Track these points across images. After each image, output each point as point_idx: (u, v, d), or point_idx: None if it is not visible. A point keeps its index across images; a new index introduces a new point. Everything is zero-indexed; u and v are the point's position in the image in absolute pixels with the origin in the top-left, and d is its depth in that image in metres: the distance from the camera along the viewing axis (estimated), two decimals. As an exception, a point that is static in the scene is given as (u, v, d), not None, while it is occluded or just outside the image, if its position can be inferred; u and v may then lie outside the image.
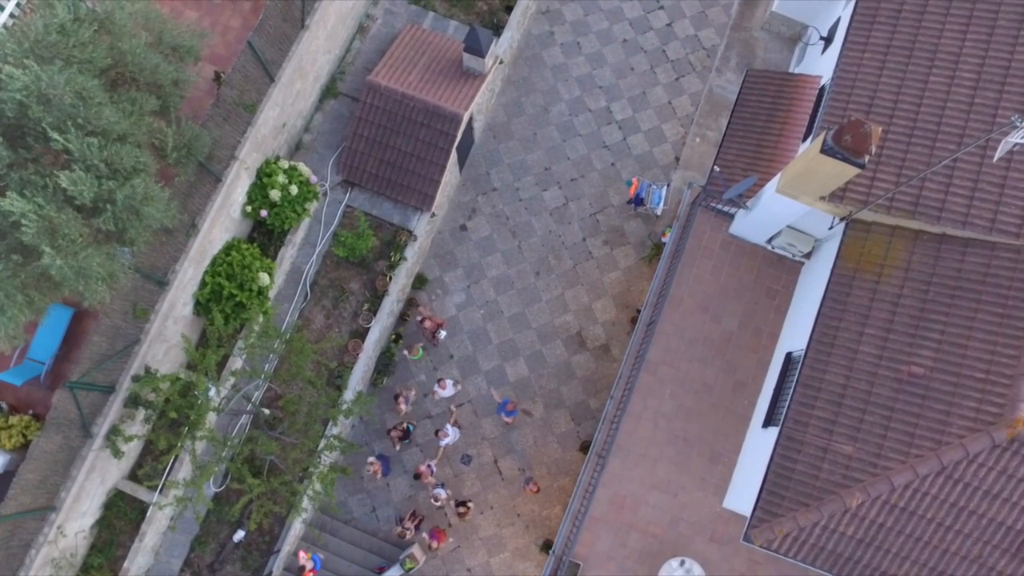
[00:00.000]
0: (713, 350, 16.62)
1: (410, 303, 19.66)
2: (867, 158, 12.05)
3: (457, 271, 19.98)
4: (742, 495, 15.48)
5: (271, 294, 17.51)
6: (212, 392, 15.08)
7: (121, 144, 11.56)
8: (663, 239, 19.96)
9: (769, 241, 16.82)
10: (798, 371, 13.63)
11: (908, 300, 13.17)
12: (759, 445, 15.39)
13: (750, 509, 14.57)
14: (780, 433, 13.26)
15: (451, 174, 19.32)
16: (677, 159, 21.01)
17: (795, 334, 15.87)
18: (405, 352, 18.66)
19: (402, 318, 19.52)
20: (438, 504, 17.85)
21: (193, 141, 13.42)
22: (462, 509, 17.76)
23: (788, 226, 16.09)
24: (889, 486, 12.01)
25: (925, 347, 12.70)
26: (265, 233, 17.97)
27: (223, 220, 16.47)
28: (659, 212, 20.08)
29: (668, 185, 19.81)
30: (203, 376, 14.32)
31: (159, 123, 13.01)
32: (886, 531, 12.27)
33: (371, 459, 17.29)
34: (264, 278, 16.64)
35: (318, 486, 15.00)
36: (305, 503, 15.30)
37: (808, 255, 16.76)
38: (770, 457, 13.18)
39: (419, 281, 19.67)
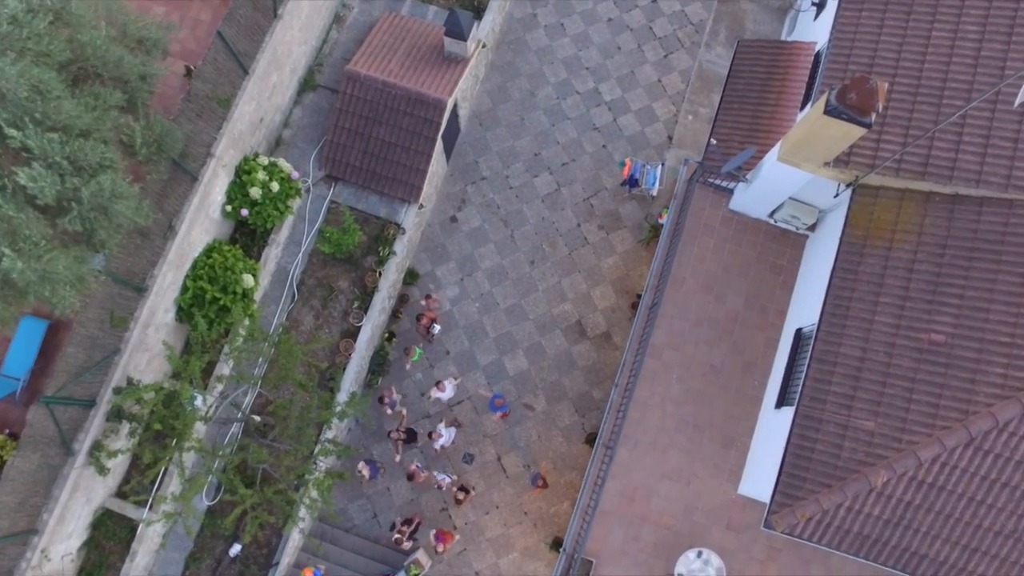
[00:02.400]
0: (719, 331, 15.99)
1: (402, 299, 18.97)
2: (873, 116, 11.41)
3: (449, 264, 19.30)
4: (758, 480, 14.85)
5: (257, 296, 16.81)
6: (198, 401, 14.37)
7: (84, 140, 10.84)
8: (660, 220, 19.32)
9: (771, 215, 16.19)
10: (811, 346, 13.00)
11: (923, 265, 12.54)
12: (773, 427, 14.76)
13: (768, 494, 13.95)
14: (796, 412, 12.62)
15: (438, 164, 18.64)
16: (670, 138, 20.37)
17: (804, 309, 15.25)
18: (404, 356, 17.94)
19: (395, 315, 18.82)
20: (442, 490, 17.21)
21: (164, 136, 12.72)
22: (461, 495, 17.10)
23: (790, 198, 15.46)
24: (916, 461, 11.37)
25: (944, 313, 12.07)
26: (248, 233, 17.26)
27: (202, 221, 15.76)
28: (655, 193, 19.44)
29: (662, 164, 19.16)
30: (187, 384, 13.62)
31: (126, 119, 12.29)
32: (914, 509, 11.64)
33: (360, 464, 16.60)
34: (248, 280, 15.94)
35: (314, 493, 14.30)
36: (302, 512, 14.60)
37: (812, 227, 16.14)
38: (787, 438, 12.54)
39: (410, 276, 18.99)
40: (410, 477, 16.67)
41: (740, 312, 16.09)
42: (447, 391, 17.02)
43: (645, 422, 15.52)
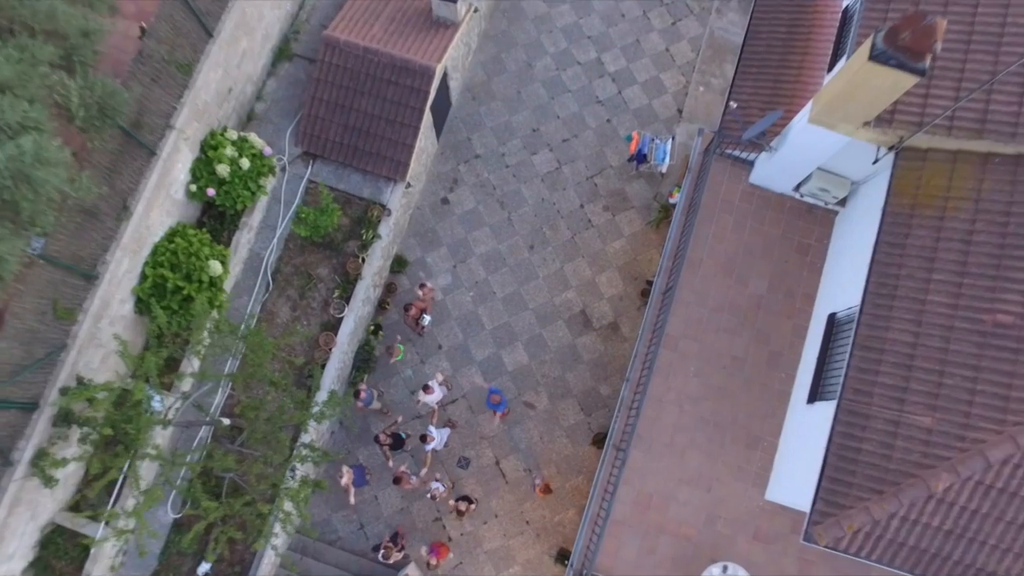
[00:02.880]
0: (741, 318, 14.34)
1: (389, 289, 17.30)
2: (929, 61, 9.76)
3: (440, 250, 17.63)
4: (787, 484, 13.23)
5: (227, 285, 15.13)
6: (156, 402, 12.70)
7: (2, 95, 9.16)
8: (671, 200, 17.68)
9: (797, 188, 14.55)
10: (853, 332, 11.34)
11: (983, 236, 10.89)
12: (805, 424, 13.13)
13: (799, 500, 12.36)
14: (838, 407, 10.96)
15: (427, 140, 16.98)
16: (680, 111, 18.71)
17: (837, 292, 13.61)
18: (387, 355, 16.26)
19: (381, 306, 17.16)
20: (437, 501, 15.46)
21: (107, 99, 11.05)
22: (463, 506, 15.36)
23: (819, 168, 13.82)
24: (984, 463, 9.72)
25: (1010, 290, 10.42)
26: (216, 216, 15.59)
27: (162, 201, 14.08)
28: (664, 169, 17.79)
29: (672, 139, 17.50)
30: (142, 383, 11.95)
31: (60, 75, 10.62)
32: (981, 518, 9.98)
33: (344, 468, 14.89)
34: (215, 266, 14.27)
35: (289, 505, 12.63)
36: (276, 527, 12.93)
37: (842, 202, 14.50)
38: (828, 437, 10.88)
39: (398, 264, 17.32)
40: (397, 480, 14.97)
41: (764, 297, 14.45)
42: (435, 393, 15.34)
43: (660, 421, 13.88)
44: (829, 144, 12.45)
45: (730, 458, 13.80)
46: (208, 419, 12.99)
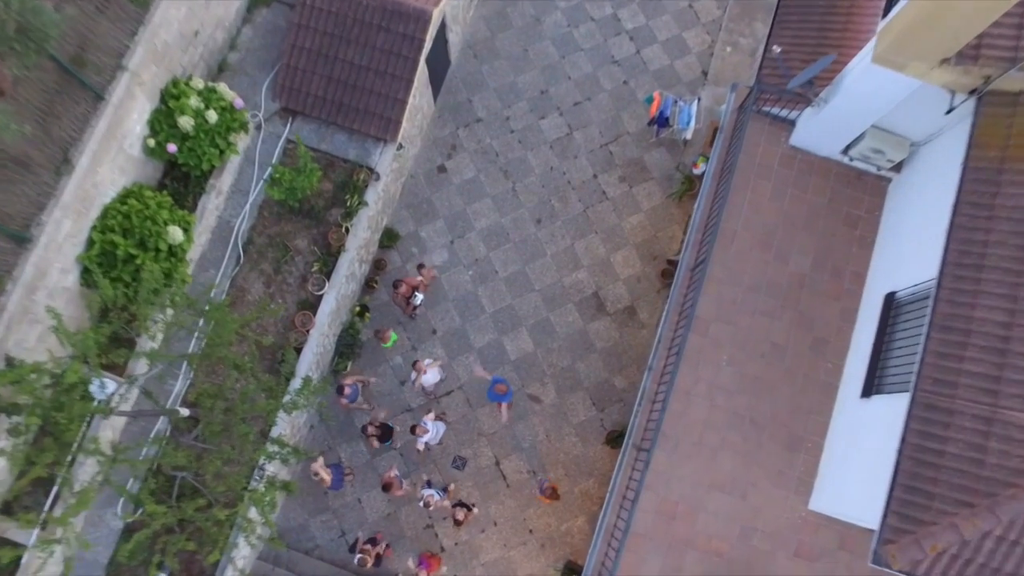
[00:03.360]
0: (781, 299, 12.42)
1: (378, 266, 15.37)
2: (1041, -30, 7.84)
3: (436, 223, 15.70)
4: (835, 492, 11.32)
5: (191, 256, 13.23)
6: (96, 387, 10.79)
7: None
8: (695, 171, 15.75)
9: (846, 151, 12.64)
10: (929, 311, 9.39)
11: (1092, 194, 8.97)
12: (858, 422, 11.23)
13: (848, 510, 10.59)
14: (913, 401, 9.01)
15: (422, 98, 15.05)
16: (705, 73, 16.78)
17: (896, 269, 11.71)
18: (377, 339, 14.27)
19: (368, 285, 15.23)
20: (430, 509, 13.40)
21: (30, 17, 9.10)
22: (461, 514, 13.36)
23: (873, 126, 11.89)
24: (1107, 470, 7.80)
25: None
26: (180, 179, 13.66)
27: (114, 156, 12.17)
28: (688, 136, 15.86)
29: (698, 100, 15.56)
30: (78, 364, 10.02)
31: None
32: (1101, 539, 8.06)
33: (317, 464, 12.91)
34: (175, 233, 12.36)
35: (253, 512, 10.72)
36: (238, 538, 11.01)
37: (898, 167, 12.57)
38: (901, 436, 8.95)
39: (388, 238, 15.39)
40: (386, 487, 13.00)
41: (807, 275, 12.52)
42: (429, 374, 13.40)
43: (688, 416, 11.95)
44: (893, 91, 10.54)
45: (768, 461, 11.88)
46: (160, 408, 11.05)
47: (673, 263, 15.45)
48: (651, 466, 11.10)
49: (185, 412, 11.84)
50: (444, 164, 16.01)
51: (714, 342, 12.30)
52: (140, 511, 11.78)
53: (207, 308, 11.10)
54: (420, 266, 14.20)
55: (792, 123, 12.95)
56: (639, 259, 15.63)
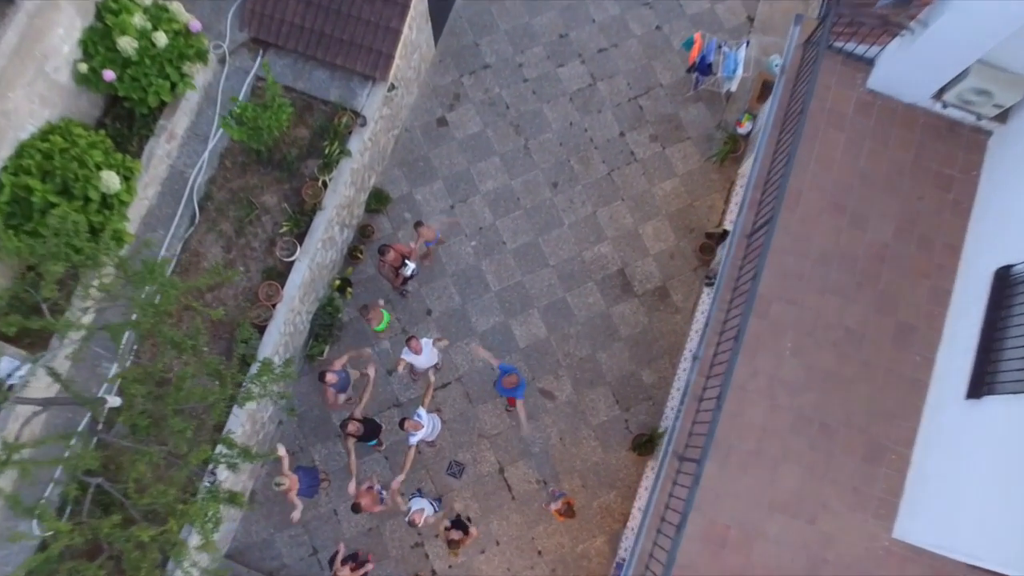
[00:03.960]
0: (857, 274, 10.06)
1: (364, 232, 12.97)
2: None
3: (434, 184, 13.30)
4: (929, 517, 9.00)
5: (134, 212, 10.84)
6: (-7, 365, 8.41)
7: None
8: (739, 130, 13.37)
9: (939, 94, 10.29)
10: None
11: None
12: (961, 429, 8.84)
13: (947, 539, 8.36)
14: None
15: (420, 35, 12.65)
16: (751, 19, 14.37)
17: (1003, 240, 9.34)
18: (364, 320, 11.74)
19: (352, 256, 12.83)
20: (418, 527, 10.76)
21: None
22: (456, 534, 10.86)
23: (980, 60, 9.53)
24: None
25: None
26: (124, 118, 11.27)
27: (32, 81, 9.78)
28: (733, 87, 13.46)
29: (746, 44, 13.14)
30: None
31: None
32: None
33: (281, 477, 10.42)
34: (110, 180, 9.98)
35: (195, 538, 8.32)
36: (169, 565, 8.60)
37: (1003, 116, 10.20)
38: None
39: (377, 200, 12.99)
40: (356, 508, 10.48)
41: (889, 246, 10.15)
42: (424, 355, 10.98)
43: (743, 419, 9.57)
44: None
45: (842, 475, 9.50)
46: (75, 396, 8.62)
47: (712, 236, 13.06)
48: (703, 484, 8.66)
49: (116, 401, 9.41)
50: (445, 116, 13.60)
51: (775, 326, 9.91)
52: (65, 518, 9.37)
53: (139, 271, 8.68)
54: (418, 224, 11.73)
55: (870, 62, 10.58)
56: (672, 231, 13.23)
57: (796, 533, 9.36)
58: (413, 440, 10.82)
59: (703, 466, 8.51)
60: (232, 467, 8.69)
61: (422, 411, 10.85)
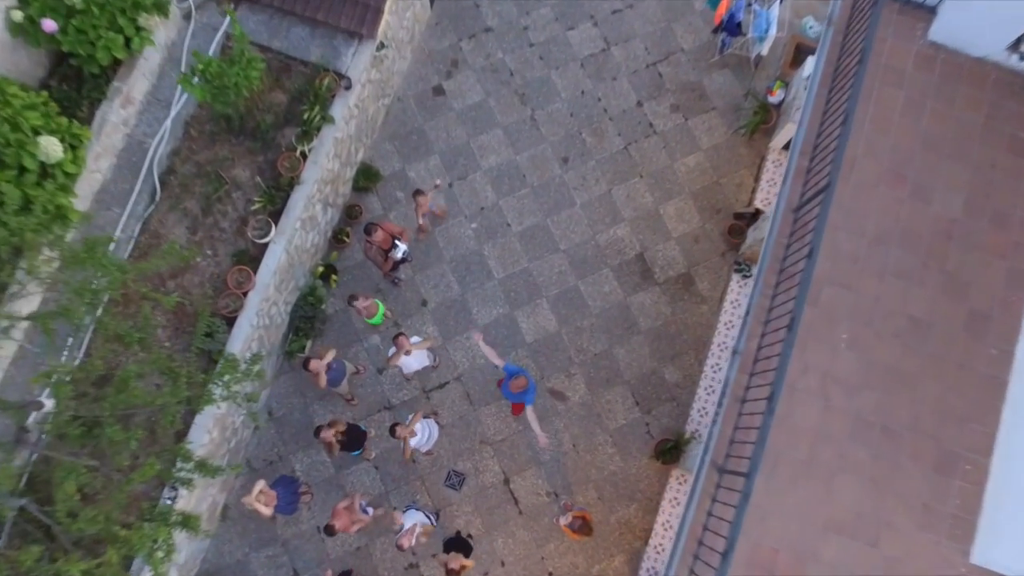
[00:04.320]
0: (922, 254, 8.63)
1: (350, 213, 11.55)
2: None
3: (430, 160, 11.88)
4: (1015, 538, 7.51)
5: (83, 187, 9.40)
6: None
7: None
8: (770, 99, 11.95)
9: (1014, 46, 8.86)
10: None
11: None
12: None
13: None
14: None
15: (413, -9, 11.24)
16: (782, -23, 12.93)
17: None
18: (354, 310, 10.24)
19: (337, 239, 11.41)
20: (405, 549, 9.20)
21: None
22: (455, 562, 9.36)
23: (1068, 4, 8.11)
24: None
25: None
26: (72, 79, 9.84)
27: (-43, 30, 8.36)
28: (764, 50, 12.05)
29: (779, 1, 11.73)
30: None
31: None
32: None
33: (258, 488, 8.95)
34: (51, 147, 8.55)
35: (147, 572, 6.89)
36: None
37: (1090, 70, 8.78)
38: None
39: (366, 176, 11.57)
40: (330, 531, 9.00)
41: (957, 221, 8.71)
42: (414, 357, 9.56)
43: (792, 422, 8.14)
44: None
45: (909, 489, 8.07)
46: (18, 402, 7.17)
47: (742, 217, 11.65)
48: (750, 500, 7.23)
49: (49, 405, 7.97)
50: (442, 85, 12.17)
51: (828, 314, 8.48)
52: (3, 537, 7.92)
53: (77, 250, 7.26)
54: (417, 192, 10.29)
55: (931, 10, 9.16)
56: (697, 212, 11.80)
57: (856, 557, 7.93)
58: (411, 446, 9.35)
59: (753, 481, 7.07)
60: (185, 484, 7.25)
61: (420, 420, 9.41)
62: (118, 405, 6.68)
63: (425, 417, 9.99)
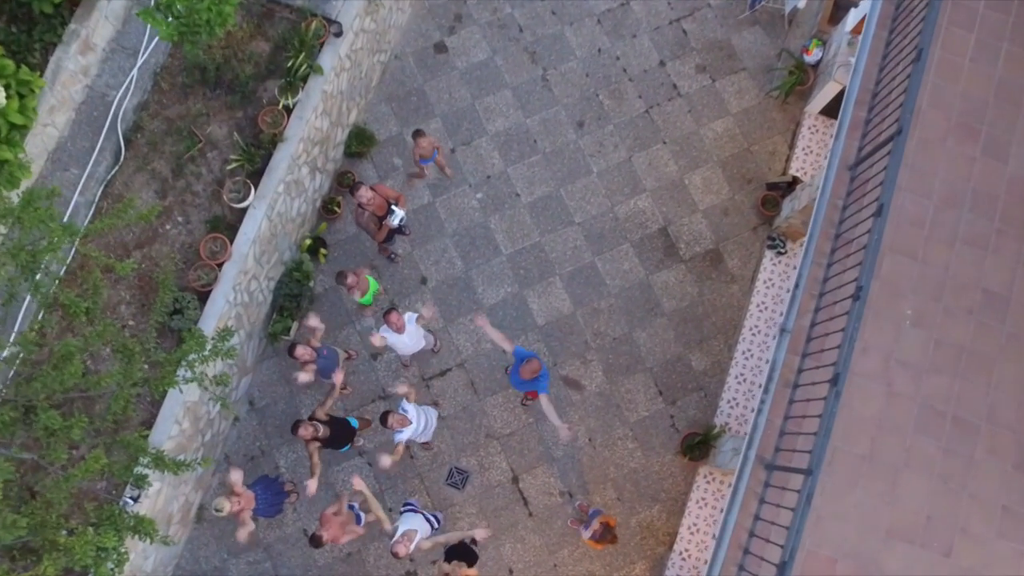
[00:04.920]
0: (997, 220, 7.53)
1: (341, 181, 10.40)
2: None
3: (431, 123, 10.72)
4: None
5: (33, 144, 8.26)
6: None
7: None
8: (807, 58, 10.80)
9: (1103, -18, 7.72)
10: None
11: None
12: None
13: None
14: None
15: (412, -67, 10.08)
16: (816, -71, 11.79)
17: None
18: (344, 288, 8.96)
19: (327, 209, 10.26)
20: (400, 558, 7.99)
21: None
22: (458, 571, 8.18)
23: None
24: None
25: None
26: (24, 20, 8.67)
27: None
28: (801, 3, 10.89)
29: (820, -51, 10.60)
30: None
31: None
32: None
33: (221, 500, 7.79)
34: (-7, 95, 7.39)
35: None
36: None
37: None
38: None
39: (359, 140, 10.41)
40: (316, 541, 7.85)
41: (1038, 183, 7.59)
42: (408, 334, 8.39)
43: (850, 412, 7.02)
44: None
45: (986, 489, 6.96)
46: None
47: (776, 187, 10.51)
48: (812, 504, 6.07)
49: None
50: (444, 41, 11.02)
51: (890, 288, 7.35)
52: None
53: (10, 206, 6.11)
54: (417, 133, 9.14)
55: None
56: (726, 182, 10.66)
57: (926, 568, 6.81)
58: (400, 438, 8.20)
59: (816, 479, 5.93)
60: (139, 482, 6.10)
61: (409, 405, 8.25)
62: (53, 386, 5.53)
63: (422, 406, 8.83)
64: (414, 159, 9.50)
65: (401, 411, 8.05)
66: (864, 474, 6.95)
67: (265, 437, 9.86)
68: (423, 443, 9.39)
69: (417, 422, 8.17)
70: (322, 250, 9.98)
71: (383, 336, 8.40)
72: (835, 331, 6.65)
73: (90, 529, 5.77)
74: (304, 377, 8.17)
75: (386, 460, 7.99)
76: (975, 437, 7.08)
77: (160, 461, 6.07)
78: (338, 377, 8.40)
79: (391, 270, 10.20)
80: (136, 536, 5.93)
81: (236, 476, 7.86)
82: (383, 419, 7.91)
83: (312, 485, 8.10)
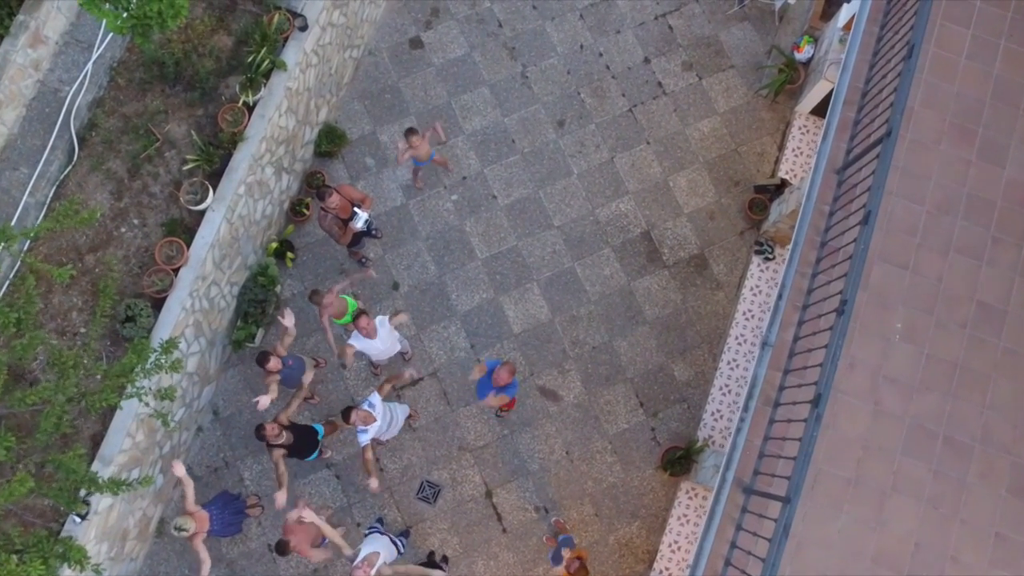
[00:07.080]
0: (994, 227, 7.15)
1: (310, 182, 9.98)
2: None
3: (404, 121, 10.30)
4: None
5: (-20, 142, 7.85)
6: None
7: None
8: (797, 55, 10.38)
9: (1106, -23, 7.30)
10: None
11: None
12: None
13: None
14: None
15: (386, -77, 9.65)
16: (809, -79, 11.35)
17: None
18: (315, 305, 8.48)
19: (295, 211, 9.84)
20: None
21: None
22: None
23: None
24: None
25: None
26: (-28, 14, 8.27)
27: None
28: (792, -1, 10.49)
29: (811, -57, 10.17)
30: None
31: None
32: None
33: (184, 519, 7.38)
34: (-67, 89, 6.95)
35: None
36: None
37: None
38: None
39: (329, 139, 9.98)
40: (283, 548, 7.49)
41: (1035, 189, 7.17)
42: (380, 338, 7.96)
43: (835, 432, 6.62)
44: None
45: (979, 515, 6.57)
46: None
47: (764, 190, 10.09)
48: (791, 532, 5.67)
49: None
50: (420, 36, 10.60)
51: (879, 299, 6.94)
52: None
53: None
54: (410, 131, 8.69)
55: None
56: (712, 184, 10.24)
57: (915, 600, 6.40)
58: (364, 439, 7.74)
59: (794, 508, 5.52)
60: (70, 504, 5.70)
61: (377, 399, 7.81)
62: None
63: (391, 401, 8.41)
64: (399, 160, 8.94)
65: (367, 406, 7.61)
66: (849, 498, 6.55)
67: (230, 448, 9.45)
68: (380, 442, 8.84)
69: (382, 420, 7.75)
70: (289, 254, 9.57)
71: (352, 344, 7.98)
72: (819, 347, 6.24)
73: (13, 558, 5.36)
74: (264, 402, 7.74)
75: (374, 483, 7.66)
76: (967, 459, 6.68)
77: (94, 483, 5.66)
78: (307, 377, 8.02)
79: (360, 273, 9.77)
80: (64, 564, 5.52)
81: (179, 469, 7.39)
82: (345, 414, 7.48)
83: (281, 497, 7.70)
